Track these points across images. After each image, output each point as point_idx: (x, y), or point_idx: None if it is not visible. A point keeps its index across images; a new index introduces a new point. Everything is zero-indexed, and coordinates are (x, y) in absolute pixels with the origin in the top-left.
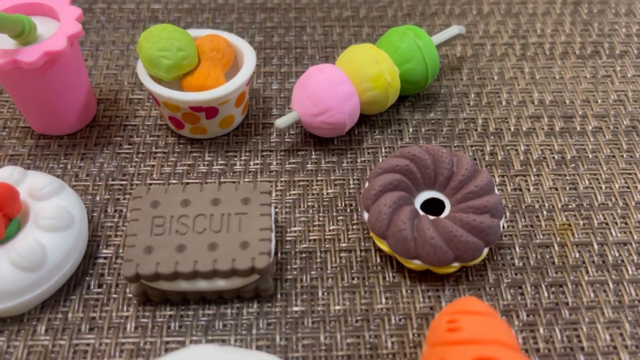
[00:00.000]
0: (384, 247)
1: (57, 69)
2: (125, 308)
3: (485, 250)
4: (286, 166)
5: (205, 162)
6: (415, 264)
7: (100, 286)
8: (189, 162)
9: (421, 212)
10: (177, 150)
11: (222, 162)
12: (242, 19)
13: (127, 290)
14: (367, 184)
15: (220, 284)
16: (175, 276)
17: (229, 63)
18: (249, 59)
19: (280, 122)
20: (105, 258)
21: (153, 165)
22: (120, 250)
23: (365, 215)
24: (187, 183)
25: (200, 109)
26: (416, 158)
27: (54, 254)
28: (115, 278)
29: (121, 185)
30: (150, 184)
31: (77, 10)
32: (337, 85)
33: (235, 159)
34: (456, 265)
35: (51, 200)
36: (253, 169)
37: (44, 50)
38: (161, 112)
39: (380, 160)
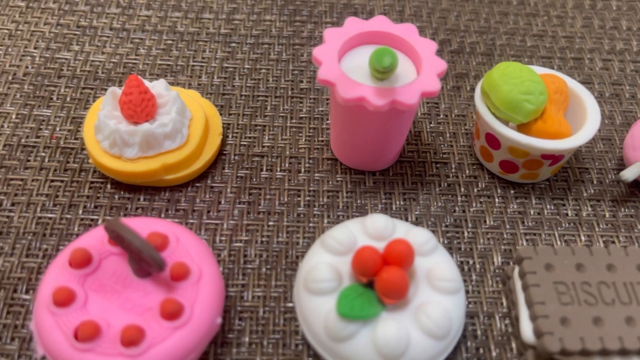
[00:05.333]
0: None
1: (410, 109)
2: None
3: None
4: (621, 218)
5: (535, 209)
6: None
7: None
8: (518, 209)
9: None
10: (500, 193)
11: (551, 209)
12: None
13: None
14: None
15: None
16: (599, 353)
17: (567, 107)
18: (591, 102)
19: (629, 174)
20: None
21: (482, 211)
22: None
23: None
24: (528, 235)
25: (551, 156)
26: None
27: (455, 319)
28: (492, 341)
29: (456, 231)
30: (487, 234)
31: (433, 45)
32: None
33: (564, 207)
34: None
35: (433, 257)
36: (587, 220)
37: (421, 90)
38: (488, 153)
39: None
